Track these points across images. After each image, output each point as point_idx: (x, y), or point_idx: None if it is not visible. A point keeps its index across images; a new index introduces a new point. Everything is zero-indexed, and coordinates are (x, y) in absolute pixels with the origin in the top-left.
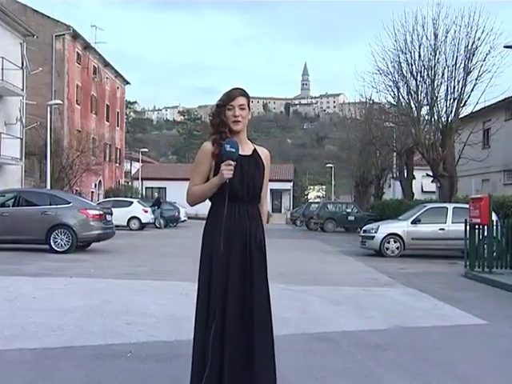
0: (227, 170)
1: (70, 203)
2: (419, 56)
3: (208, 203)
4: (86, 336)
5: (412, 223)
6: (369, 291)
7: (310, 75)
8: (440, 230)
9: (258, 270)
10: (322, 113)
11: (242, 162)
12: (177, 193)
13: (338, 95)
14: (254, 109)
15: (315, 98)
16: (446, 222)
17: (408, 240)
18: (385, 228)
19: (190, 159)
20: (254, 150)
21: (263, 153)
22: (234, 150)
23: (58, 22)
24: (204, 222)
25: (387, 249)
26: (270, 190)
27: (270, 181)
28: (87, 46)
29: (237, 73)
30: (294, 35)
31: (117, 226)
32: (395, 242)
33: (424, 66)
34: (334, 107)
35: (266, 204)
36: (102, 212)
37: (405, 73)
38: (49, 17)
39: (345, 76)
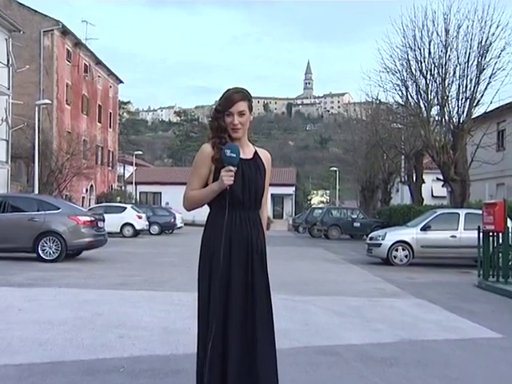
0: (227, 177)
1: (59, 209)
2: (429, 53)
3: (206, 208)
4: (76, 350)
5: (421, 230)
6: (375, 302)
7: (314, 74)
8: (451, 237)
9: (259, 280)
10: (326, 113)
11: (243, 166)
12: (173, 198)
13: (343, 95)
14: (254, 109)
15: (319, 97)
16: (457, 229)
17: (417, 248)
18: (392, 235)
19: (186, 162)
20: (255, 152)
21: (264, 155)
22: (234, 156)
23: (46, 16)
24: (202, 228)
25: (395, 257)
26: (271, 194)
27: (271, 185)
28: (78, 43)
29: (236, 71)
30: (295, 32)
31: (109, 233)
32: (403, 249)
33: (434, 63)
34: (339, 107)
35: (266, 209)
36: (93, 218)
37: (414, 71)
38: (36, 11)
39: (350, 75)
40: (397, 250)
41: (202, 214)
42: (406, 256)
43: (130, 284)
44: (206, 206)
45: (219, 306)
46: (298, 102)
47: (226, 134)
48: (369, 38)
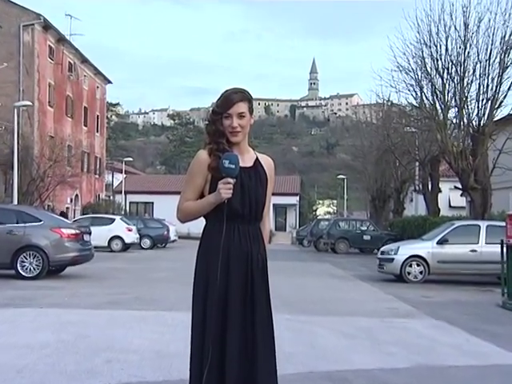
0: (225, 190)
1: (40, 221)
2: (446, 50)
3: (202, 220)
4: (59, 377)
5: (438, 244)
6: (388, 323)
7: (319, 73)
8: (471, 251)
9: (260, 298)
10: (333, 116)
11: (243, 175)
12: (166, 208)
13: (352, 96)
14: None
15: (325, 99)
16: (478, 243)
17: (433, 263)
18: (406, 249)
19: (181, 170)
20: (256, 159)
21: (266, 162)
22: (233, 167)
23: (26, 9)
24: (197, 241)
25: (409, 273)
26: (273, 205)
27: (273, 195)
28: (61, 39)
29: (234, 71)
30: (298, 29)
31: (96, 247)
32: (418, 265)
33: (452, 61)
34: (347, 110)
35: (269, 222)
36: (78, 231)
37: (429, 69)
38: (15, 3)
39: (359, 74)
40: (411, 266)
41: (198, 226)
42: (420, 272)
43: (119, 303)
44: (201, 217)
45: (216, 327)
46: (303, 103)
47: (225, 138)
48: (380, 34)
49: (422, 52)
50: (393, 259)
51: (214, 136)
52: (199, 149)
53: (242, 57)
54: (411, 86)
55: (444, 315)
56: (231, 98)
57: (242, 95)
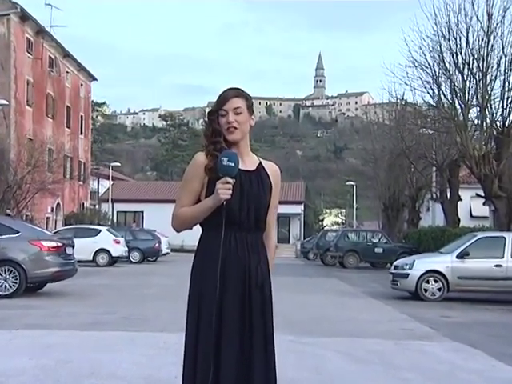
0: (224, 190)
1: (17, 233)
2: (467, 43)
3: (197, 231)
4: None
5: (458, 257)
6: (403, 345)
7: (326, 69)
8: (495, 266)
9: (259, 317)
10: (341, 117)
11: (242, 178)
12: (157, 218)
13: (361, 94)
14: (255, 112)
15: (332, 97)
16: (503, 257)
17: (453, 279)
18: (422, 263)
19: (174, 176)
20: (260, 164)
21: (271, 169)
22: (232, 165)
23: None
24: (193, 255)
25: (426, 290)
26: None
27: None
28: (40, 31)
29: (232, 67)
30: (303, 21)
31: (80, 262)
32: (436, 281)
33: (473, 55)
34: (356, 110)
35: (274, 233)
36: (60, 244)
37: (448, 65)
38: None
39: (369, 70)
40: (428, 282)
41: (193, 237)
42: (439, 289)
43: (105, 323)
44: (197, 227)
45: (209, 351)
46: (308, 103)
47: (222, 137)
48: (393, 26)
49: (440, 45)
50: (408, 275)
51: (211, 137)
52: (195, 152)
53: (241, 52)
54: (428, 83)
55: (466, 337)
56: (226, 94)
57: (237, 91)
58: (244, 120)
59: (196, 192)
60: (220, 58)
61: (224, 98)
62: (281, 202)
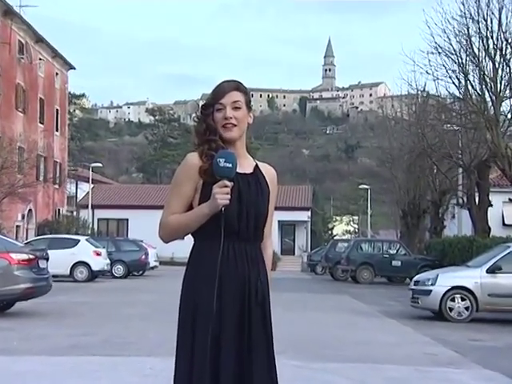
0: (222, 195)
1: None
2: (499, 25)
3: (189, 241)
4: None
5: (488, 272)
6: (425, 372)
7: (336, 57)
8: None
9: (259, 338)
10: (353, 111)
11: (240, 182)
12: (144, 227)
13: (377, 85)
14: (256, 106)
15: (343, 89)
16: None
17: (483, 297)
18: (447, 278)
19: (163, 178)
20: (256, 166)
21: (268, 172)
22: (230, 166)
23: None
24: (183, 268)
25: (451, 309)
26: (278, 222)
27: (278, 209)
28: (8, 12)
29: (229, 55)
30: (310, 2)
31: (55, 276)
32: (463, 299)
33: (507, 39)
34: (371, 103)
35: (271, 243)
36: (32, 256)
37: (476, 51)
38: None
39: (386, 58)
40: (453, 300)
41: (185, 249)
42: (466, 308)
43: (84, 347)
44: (189, 237)
45: (205, 377)
46: (315, 95)
47: (218, 136)
48: (413, 7)
49: (468, 29)
50: (430, 291)
51: (204, 134)
52: (187, 151)
53: (240, 37)
54: (453, 71)
55: (498, 364)
56: (223, 87)
57: (236, 84)
58: (242, 116)
59: (188, 197)
60: (216, 45)
61: (221, 90)
62: (285, 209)
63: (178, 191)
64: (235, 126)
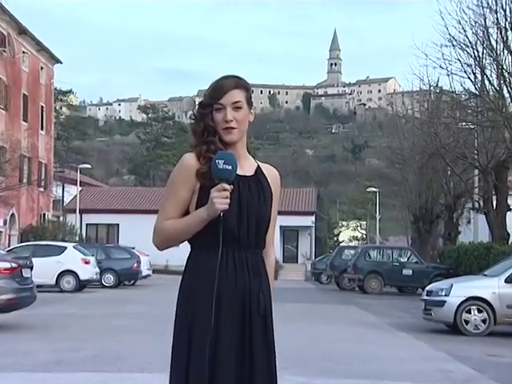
0: (221, 199)
1: None
2: None
3: (185, 248)
4: None
5: (507, 281)
6: None
7: (342, 51)
8: None
9: (261, 353)
10: (361, 108)
11: (240, 185)
12: (136, 232)
13: (386, 81)
14: (256, 103)
15: (350, 85)
16: None
17: (501, 308)
18: (462, 288)
19: (156, 180)
20: (258, 168)
21: (270, 173)
22: (230, 168)
23: None
24: (179, 277)
25: (467, 322)
26: (280, 227)
27: (280, 214)
28: None
29: (227, 49)
30: None
31: (40, 287)
32: (480, 311)
33: None
34: (380, 99)
35: (273, 250)
36: (14, 265)
37: (494, 43)
38: None
39: (396, 51)
40: (469, 312)
41: (180, 256)
42: (483, 321)
43: (71, 363)
44: (185, 244)
45: None
46: (320, 91)
47: (217, 137)
48: None
49: (485, 19)
50: (444, 302)
51: (202, 135)
52: (182, 152)
53: (239, 30)
54: (468, 66)
55: None
56: (223, 85)
57: (236, 81)
58: (243, 117)
59: (184, 201)
60: (213, 38)
61: (221, 88)
62: (287, 213)
63: (173, 195)
64: (235, 128)
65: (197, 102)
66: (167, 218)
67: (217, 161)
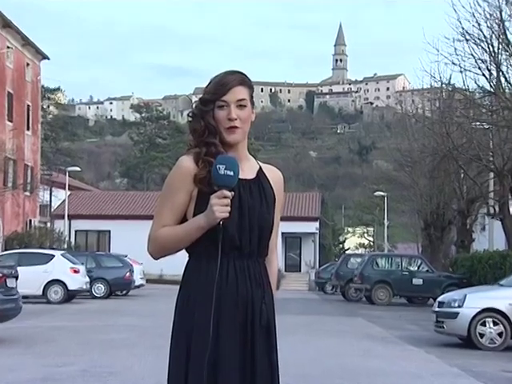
0: (221, 206)
1: None
2: None
3: (182, 256)
4: None
5: None
6: None
7: (348, 46)
8: None
9: (264, 369)
10: (368, 107)
11: (241, 190)
12: (128, 240)
13: (395, 78)
14: (256, 101)
15: (356, 82)
16: None
17: None
18: (477, 299)
19: (150, 184)
20: (260, 170)
21: (273, 175)
22: (231, 174)
23: None
24: (174, 287)
25: (482, 335)
26: (282, 234)
27: (282, 219)
28: None
29: (225, 44)
30: None
31: (25, 297)
32: (496, 323)
33: None
34: (388, 98)
35: (276, 257)
36: None
37: (510, 37)
38: None
39: (405, 46)
40: (484, 325)
41: (175, 265)
42: (499, 334)
43: (58, 379)
44: (182, 252)
45: None
46: (324, 89)
47: (218, 138)
48: None
49: (501, 12)
50: (457, 314)
51: (202, 135)
52: (177, 154)
53: (238, 24)
54: (483, 62)
55: None
56: (227, 81)
57: (241, 77)
58: (247, 116)
59: (181, 207)
60: (211, 33)
61: (225, 84)
62: (290, 219)
63: (169, 200)
64: (239, 128)
65: (193, 101)
66: (163, 225)
67: (217, 166)
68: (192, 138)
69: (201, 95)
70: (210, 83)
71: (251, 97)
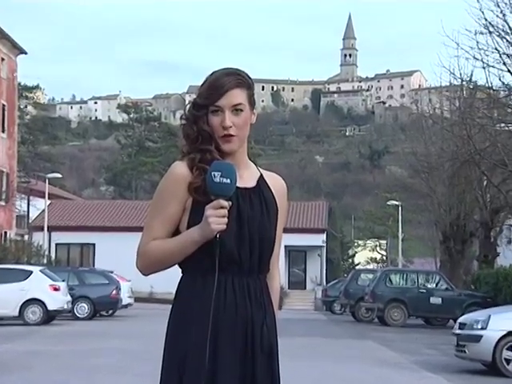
0: (217, 218)
1: None
2: None
3: (173, 274)
4: None
5: None
6: None
7: (358, 40)
8: None
9: None
10: (380, 107)
11: (240, 200)
12: (115, 254)
13: (410, 75)
14: (257, 101)
15: (367, 79)
16: None
17: None
18: (502, 320)
19: (139, 192)
20: (260, 178)
21: (275, 184)
22: (228, 182)
23: None
24: (165, 307)
25: (508, 361)
26: (286, 247)
27: (286, 231)
28: None
29: (221, 37)
30: None
31: (0, 319)
32: None
33: None
34: (402, 97)
35: (278, 272)
36: None
37: None
38: None
39: (422, 40)
40: (510, 349)
41: (167, 281)
42: None
43: None
44: (175, 268)
45: None
46: (332, 87)
47: (213, 144)
48: None
49: None
50: (480, 337)
51: (195, 141)
52: (169, 159)
53: (236, 15)
54: (508, 56)
55: None
56: (221, 83)
57: (237, 78)
58: (245, 121)
59: (174, 218)
60: (207, 25)
61: (219, 87)
62: (294, 231)
63: (160, 211)
64: (235, 136)
65: (187, 101)
66: (154, 238)
67: (212, 173)
68: (185, 143)
69: (195, 95)
70: (204, 83)
71: (251, 97)
